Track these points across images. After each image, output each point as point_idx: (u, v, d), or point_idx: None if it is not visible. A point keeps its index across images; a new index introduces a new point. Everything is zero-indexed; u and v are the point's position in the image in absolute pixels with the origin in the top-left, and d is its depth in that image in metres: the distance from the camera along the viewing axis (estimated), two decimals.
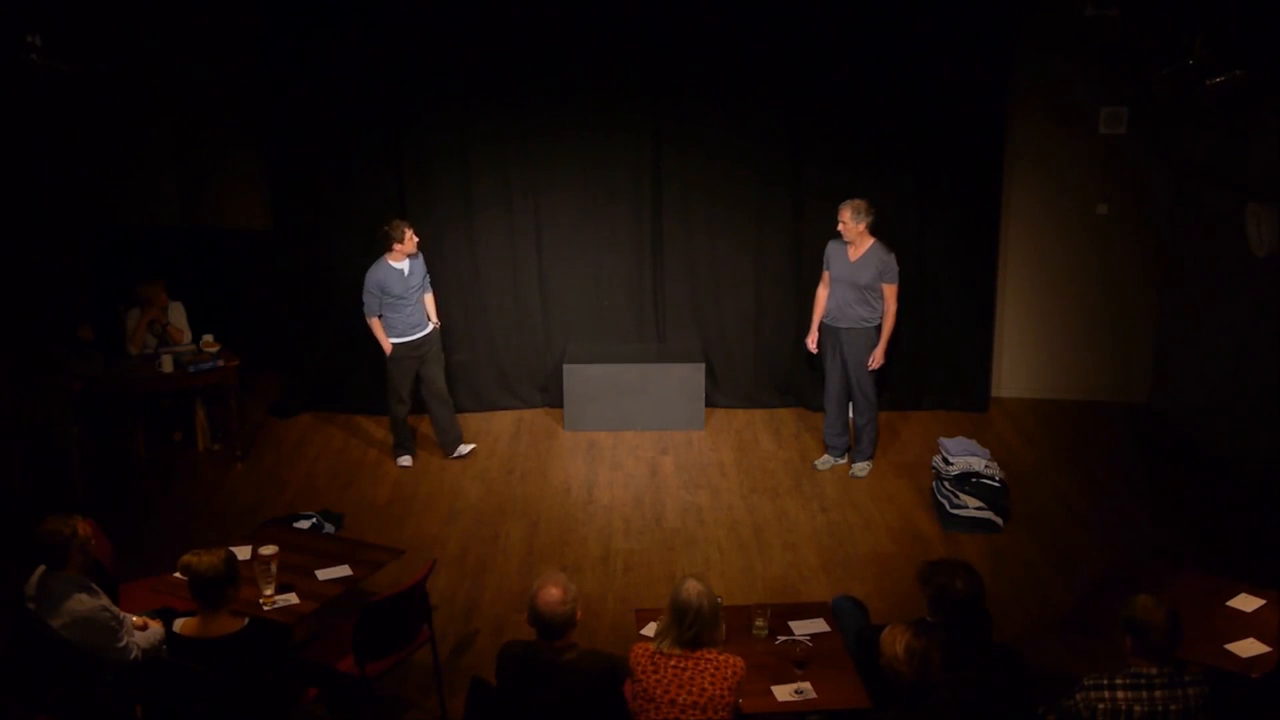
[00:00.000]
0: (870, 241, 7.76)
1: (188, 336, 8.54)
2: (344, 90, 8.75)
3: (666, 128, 8.91)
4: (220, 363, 8.25)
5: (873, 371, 7.93)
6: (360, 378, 9.23)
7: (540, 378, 9.39)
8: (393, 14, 8.59)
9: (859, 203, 7.69)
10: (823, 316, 8.03)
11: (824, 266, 7.97)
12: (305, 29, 8.66)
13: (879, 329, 7.86)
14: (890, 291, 7.79)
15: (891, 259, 7.76)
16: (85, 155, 9.27)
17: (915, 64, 8.63)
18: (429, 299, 8.24)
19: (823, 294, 8.03)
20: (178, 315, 8.56)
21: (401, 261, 7.96)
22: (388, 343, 8.06)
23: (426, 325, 8.17)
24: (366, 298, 8.00)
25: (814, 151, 8.88)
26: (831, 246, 7.92)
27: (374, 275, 7.96)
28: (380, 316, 8.03)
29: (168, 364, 8.06)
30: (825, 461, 8.34)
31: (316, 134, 8.86)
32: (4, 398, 7.36)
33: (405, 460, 8.42)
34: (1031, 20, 8.73)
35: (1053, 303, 9.37)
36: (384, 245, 7.95)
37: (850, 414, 8.27)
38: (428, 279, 8.23)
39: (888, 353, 7.94)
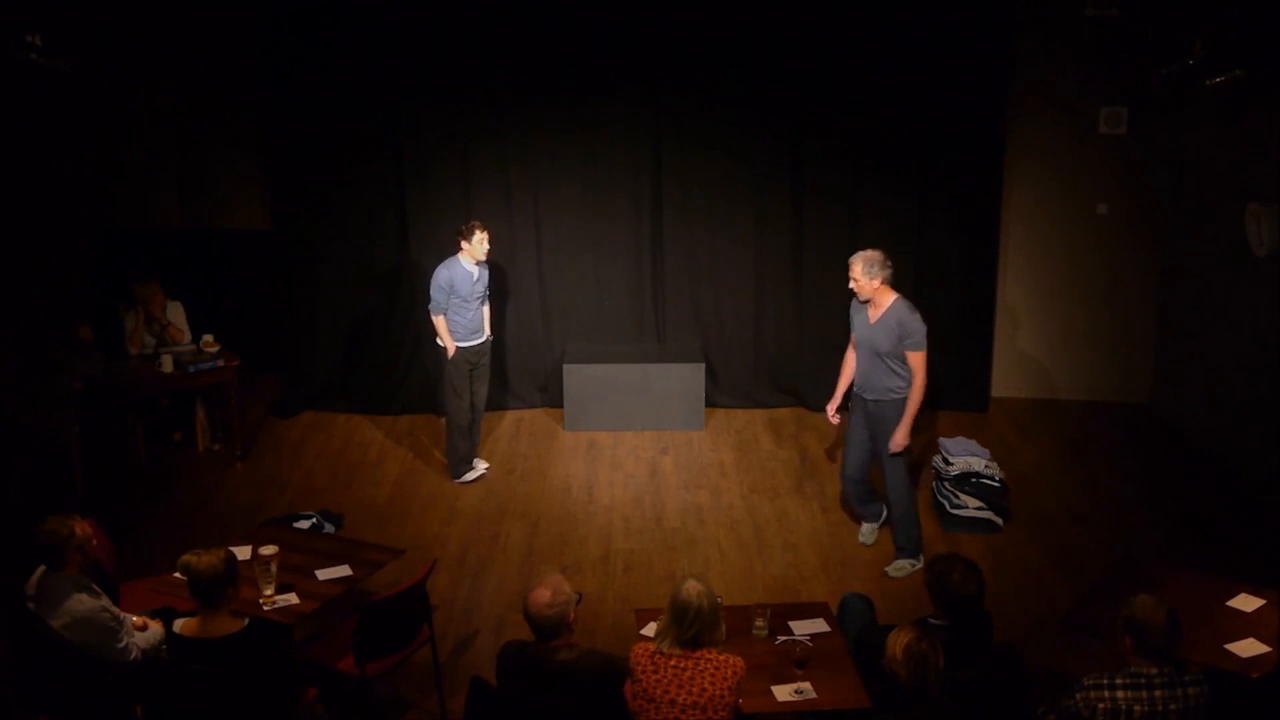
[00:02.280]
0: (891, 299, 6.49)
1: (188, 336, 8.53)
2: (344, 90, 8.76)
3: (666, 126, 8.91)
4: (220, 363, 8.25)
5: (900, 454, 6.66)
6: (361, 378, 9.24)
7: (540, 378, 9.38)
8: (392, 13, 8.59)
9: (871, 254, 6.42)
10: (851, 382, 6.85)
11: (851, 326, 6.79)
12: (305, 28, 8.66)
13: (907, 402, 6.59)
14: (916, 360, 6.48)
15: (915, 319, 6.45)
16: (85, 155, 9.27)
17: (915, 63, 8.64)
18: (486, 310, 8.05)
19: (850, 357, 6.82)
20: (177, 315, 8.55)
21: (473, 265, 7.79)
22: (452, 344, 7.86)
23: (483, 334, 8.01)
24: (436, 294, 7.74)
25: (814, 151, 8.88)
26: (854, 303, 6.69)
27: (445, 272, 7.72)
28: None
29: (168, 364, 8.06)
30: (869, 531, 7.25)
31: (316, 134, 8.86)
32: (4, 398, 7.36)
33: (469, 475, 8.17)
34: (1031, 20, 8.73)
35: (1053, 303, 9.36)
36: (453, 245, 7.75)
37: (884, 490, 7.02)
38: (489, 292, 8.04)
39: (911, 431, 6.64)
